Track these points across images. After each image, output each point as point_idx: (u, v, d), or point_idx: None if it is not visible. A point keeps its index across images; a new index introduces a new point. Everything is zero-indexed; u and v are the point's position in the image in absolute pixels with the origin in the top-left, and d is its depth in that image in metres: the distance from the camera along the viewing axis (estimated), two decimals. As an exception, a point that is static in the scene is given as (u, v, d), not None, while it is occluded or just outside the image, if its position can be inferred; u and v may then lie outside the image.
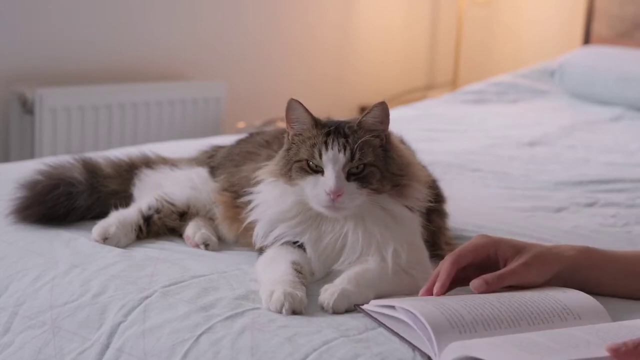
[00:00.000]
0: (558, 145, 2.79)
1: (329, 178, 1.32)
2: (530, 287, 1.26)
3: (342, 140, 1.34)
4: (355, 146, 1.33)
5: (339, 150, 1.33)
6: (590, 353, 1.03)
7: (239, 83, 3.70)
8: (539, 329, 1.13)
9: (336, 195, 1.31)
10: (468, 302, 1.16)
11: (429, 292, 1.25)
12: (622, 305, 1.30)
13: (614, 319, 1.21)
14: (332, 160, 1.32)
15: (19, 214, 1.58)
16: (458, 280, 1.28)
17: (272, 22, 3.83)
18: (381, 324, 1.19)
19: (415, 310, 1.13)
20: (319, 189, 1.33)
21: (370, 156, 1.34)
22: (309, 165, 1.35)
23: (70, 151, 2.63)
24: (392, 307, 1.18)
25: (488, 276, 1.24)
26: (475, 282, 1.24)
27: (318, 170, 1.34)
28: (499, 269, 1.27)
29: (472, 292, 1.24)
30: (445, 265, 1.26)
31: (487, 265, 1.28)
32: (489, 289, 1.23)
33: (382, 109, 1.35)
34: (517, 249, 1.28)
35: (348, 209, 1.33)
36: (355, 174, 1.34)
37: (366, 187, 1.34)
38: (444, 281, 1.24)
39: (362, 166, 1.34)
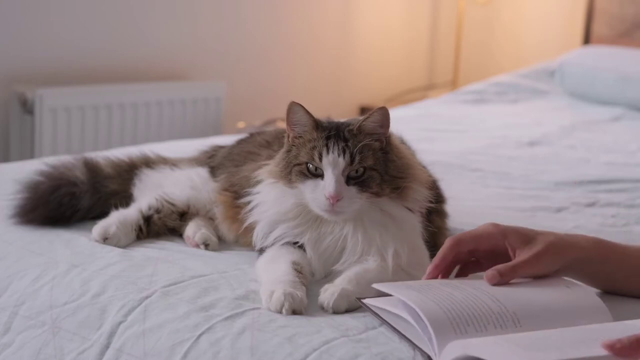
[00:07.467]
0: (558, 145, 2.79)
1: (329, 182, 1.32)
2: (539, 277, 1.26)
3: (342, 144, 1.33)
4: (355, 150, 1.33)
5: (339, 154, 1.32)
6: (590, 352, 1.03)
7: (239, 83, 3.71)
8: (540, 328, 1.13)
9: (335, 199, 1.31)
10: (470, 302, 1.16)
11: (432, 276, 1.27)
12: (624, 305, 1.30)
13: (617, 318, 1.20)
14: (332, 163, 1.32)
15: (23, 217, 1.57)
16: (468, 267, 1.29)
17: (272, 22, 3.83)
18: (382, 321, 1.18)
19: (416, 305, 1.12)
20: (318, 192, 1.33)
21: (370, 160, 1.34)
22: (308, 169, 1.35)
23: (71, 151, 2.63)
24: (394, 303, 1.18)
25: (502, 267, 1.23)
26: (488, 274, 1.23)
27: (318, 174, 1.34)
28: (510, 258, 1.26)
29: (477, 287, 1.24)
30: (442, 248, 1.27)
31: (498, 254, 1.27)
32: (503, 280, 1.22)
33: (383, 114, 1.35)
34: (528, 238, 1.26)
35: (347, 212, 1.33)
36: (354, 178, 1.33)
37: (366, 192, 1.33)
38: (437, 263, 1.25)
39: (361, 170, 1.34)
